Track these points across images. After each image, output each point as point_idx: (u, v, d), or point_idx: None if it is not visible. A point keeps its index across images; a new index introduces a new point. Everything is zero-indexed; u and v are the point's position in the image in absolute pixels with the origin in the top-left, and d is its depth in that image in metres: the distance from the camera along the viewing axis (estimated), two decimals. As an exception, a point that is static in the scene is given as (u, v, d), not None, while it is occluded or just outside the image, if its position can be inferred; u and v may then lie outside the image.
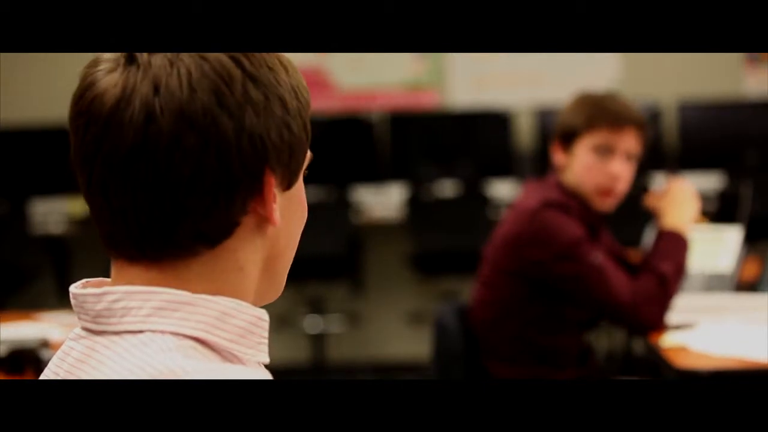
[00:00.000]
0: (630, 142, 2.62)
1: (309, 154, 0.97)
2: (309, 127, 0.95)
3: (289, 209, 0.95)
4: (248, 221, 0.91)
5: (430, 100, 5.43)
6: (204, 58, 0.87)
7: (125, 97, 0.86)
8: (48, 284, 5.07)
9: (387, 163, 5.26)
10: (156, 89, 0.86)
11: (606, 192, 2.63)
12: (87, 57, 0.91)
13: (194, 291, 0.89)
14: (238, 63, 0.88)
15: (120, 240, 0.89)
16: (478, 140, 5.32)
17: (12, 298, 4.89)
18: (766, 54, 5.26)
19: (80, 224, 4.97)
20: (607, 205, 2.66)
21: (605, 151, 2.60)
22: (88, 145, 0.88)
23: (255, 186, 0.89)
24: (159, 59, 0.87)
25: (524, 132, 5.32)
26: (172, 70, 0.86)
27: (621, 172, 2.61)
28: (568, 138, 2.65)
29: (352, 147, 5.29)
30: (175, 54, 0.87)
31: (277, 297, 1.00)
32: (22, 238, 4.87)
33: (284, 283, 1.00)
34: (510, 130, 5.26)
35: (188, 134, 0.85)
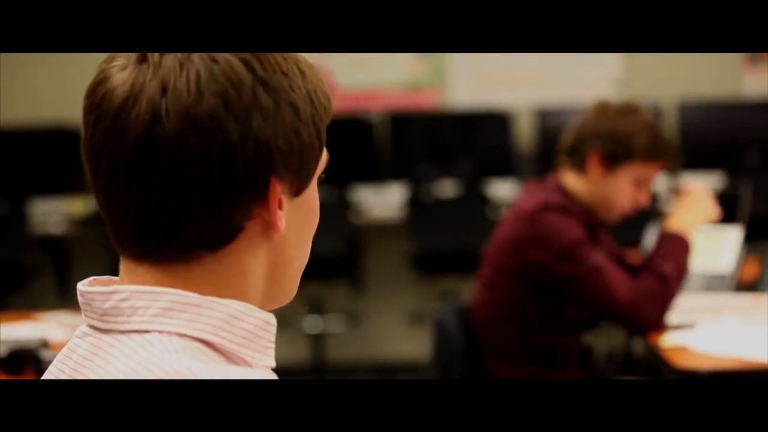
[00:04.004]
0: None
1: (325, 156, 0.96)
2: (323, 134, 0.94)
3: (298, 216, 0.94)
4: (253, 227, 0.90)
5: (430, 100, 5.43)
6: (215, 61, 0.86)
7: (133, 96, 0.85)
8: (48, 284, 5.07)
9: (387, 163, 5.26)
10: (164, 90, 0.85)
11: (625, 214, 2.67)
12: (88, 57, 0.91)
13: (198, 293, 0.88)
14: (249, 67, 0.87)
15: (125, 238, 0.89)
16: (478, 140, 5.32)
17: (12, 298, 4.89)
18: (766, 54, 5.25)
19: (80, 224, 4.97)
20: (616, 219, 2.69)
21: (642, 183, 2.62)
22: (96, 140, 0.87)
23: (260, 192, 0.88)
24: (170, 60, 0.86)
25: (524, 132, 5.32)
26: (181, 72, 0.85)
27: (648, 201, 2.65)
28: (617, 158, 2.60)
29: (352, 147, 5.29)
30: (186, 55, 0.86)
31: (289, 301, 0.99)
32: (22, 238, 4.87)
33: (296, 288, 0.99)
34: (510, 130, 5.26)
35: (192, 137, 0.84)
